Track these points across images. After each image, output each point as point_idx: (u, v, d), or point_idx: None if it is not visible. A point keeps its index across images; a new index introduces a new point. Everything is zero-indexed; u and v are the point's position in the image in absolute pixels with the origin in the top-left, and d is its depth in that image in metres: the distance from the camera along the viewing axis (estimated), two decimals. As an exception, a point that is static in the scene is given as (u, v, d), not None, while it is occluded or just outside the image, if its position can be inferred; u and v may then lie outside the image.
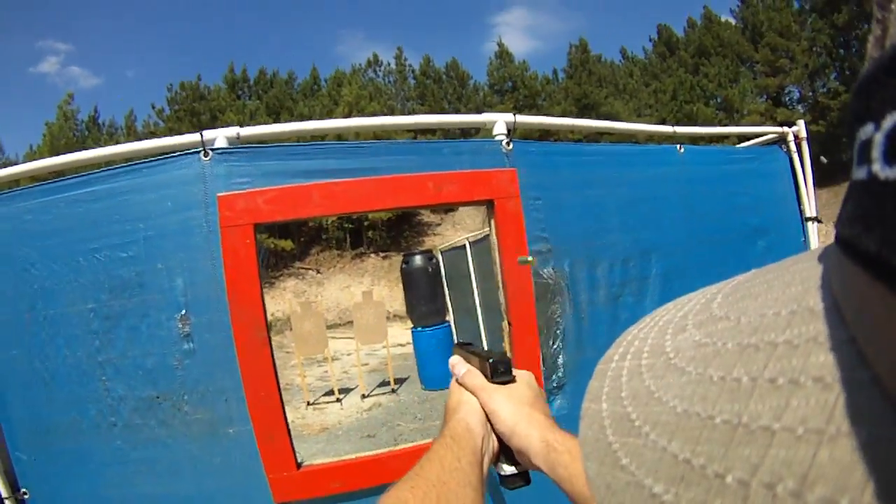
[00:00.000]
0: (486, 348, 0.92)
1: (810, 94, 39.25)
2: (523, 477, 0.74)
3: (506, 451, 0.74)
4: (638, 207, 2.03)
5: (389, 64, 42.10)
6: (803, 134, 2.72)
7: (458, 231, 30.54)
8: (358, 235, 30.38)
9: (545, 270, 1.80)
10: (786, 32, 37.81)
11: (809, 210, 2.71)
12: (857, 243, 0.15)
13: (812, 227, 2.69)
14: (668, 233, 2.09)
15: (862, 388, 0.14)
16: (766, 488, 0.15)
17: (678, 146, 2.21)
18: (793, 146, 2.69)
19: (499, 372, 0.77)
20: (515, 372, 0.79)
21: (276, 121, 28.38)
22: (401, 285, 8.93)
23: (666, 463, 0.18)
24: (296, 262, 28.80)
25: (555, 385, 1.81)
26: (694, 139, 2.47)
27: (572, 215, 1.89)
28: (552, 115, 35.81)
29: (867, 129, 0.15)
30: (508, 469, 0.74)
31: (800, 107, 39.94)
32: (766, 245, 2.43)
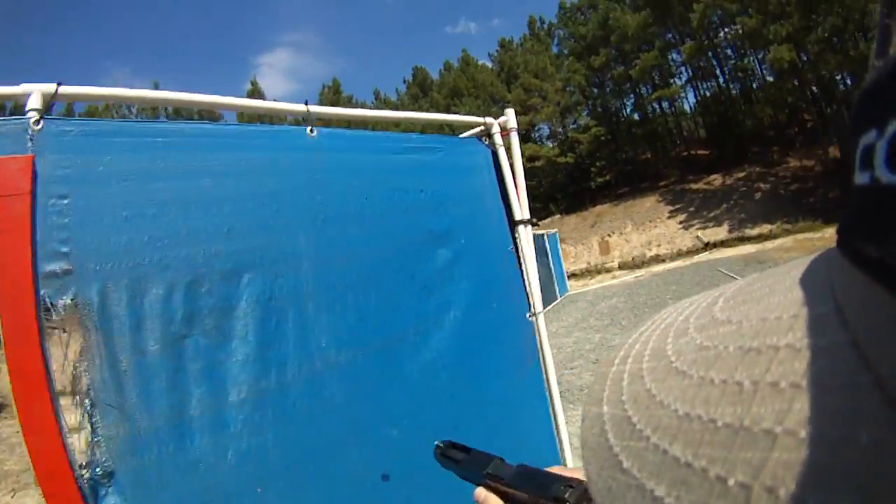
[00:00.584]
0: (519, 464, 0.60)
1: (560, 129, 43.52)
2: None
3: None
4: (225, 206, 1.48)
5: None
6: (512, 124, 2.35)
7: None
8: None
9: (61, 301, 1.24)
10: (541, 73, 41.34)
11: (520, 212, 2.28)
12: (858, 247, 0.16)
13: (524, 231, 2.28)
14: (281, 242, 1.56)
15: (864, 392, 0.15)
16: (767, 492, 0.15)
17: (309, 128, 1.71)
18: (498, 139, 2.29)
19: None
20: None
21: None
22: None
23: (667, 466, 0.18)
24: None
25: (99, 473, 1.22)
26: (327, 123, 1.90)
27: (114, 219, 1.33)
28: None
29: (870, 136, 0.15)
30: None
31: (549, 142, 44.69)
32: (452, 255, 1.99)
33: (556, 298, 17.48)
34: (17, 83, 1.33)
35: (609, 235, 30.93)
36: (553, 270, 16.36)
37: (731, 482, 0.16)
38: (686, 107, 45.55)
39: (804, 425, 0.15)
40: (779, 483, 0.15)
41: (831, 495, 0.14)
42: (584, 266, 28.20)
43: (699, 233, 27.68)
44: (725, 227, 27.55)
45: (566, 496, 0.50)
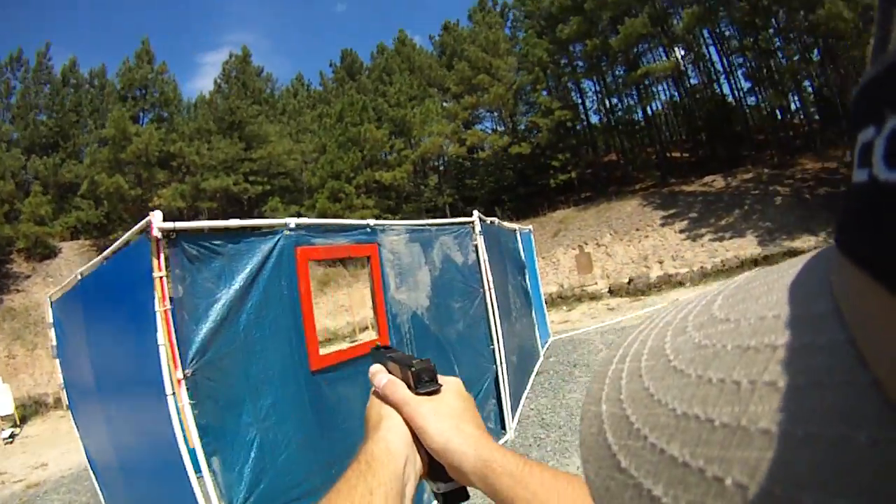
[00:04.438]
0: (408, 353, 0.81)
1: (508, 119, 35.07)
2: (461, 493, 0.67)
3: (437, 468, 0.66)
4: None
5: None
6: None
7: (48, 285, 23.87)
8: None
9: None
10: (491, 49, 33.18)
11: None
12: (856, 245, 0.16)
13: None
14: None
15: (861, 391, 0.14)
16: (764, 491, 0.15)
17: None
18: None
19: (423, 381, 0.68)
20: (442, 379, 0.71)
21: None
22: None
23: (665, 465, 0.18)
24: None
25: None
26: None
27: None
28: (185, 131, 30.94)
29: (868, 132, 0.15)
30: (444, 486, 0.66)
31: (499, 127, 36.37)
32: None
33: (538, 356, 8.68)
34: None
35: (583, 245, 23.64)
36: (532, 302, 9.08)
37: (727, 482, 0.16)
38: (657, 105, 36.37)
39: (801, 425, 0.15)
40: (775, 483, 0.15)
41: (828, 495, 0.14)
42: (555, 289, 19.65)
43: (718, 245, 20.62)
44: (751, 238, 21.38)
45: (413, 362, 0.69)
